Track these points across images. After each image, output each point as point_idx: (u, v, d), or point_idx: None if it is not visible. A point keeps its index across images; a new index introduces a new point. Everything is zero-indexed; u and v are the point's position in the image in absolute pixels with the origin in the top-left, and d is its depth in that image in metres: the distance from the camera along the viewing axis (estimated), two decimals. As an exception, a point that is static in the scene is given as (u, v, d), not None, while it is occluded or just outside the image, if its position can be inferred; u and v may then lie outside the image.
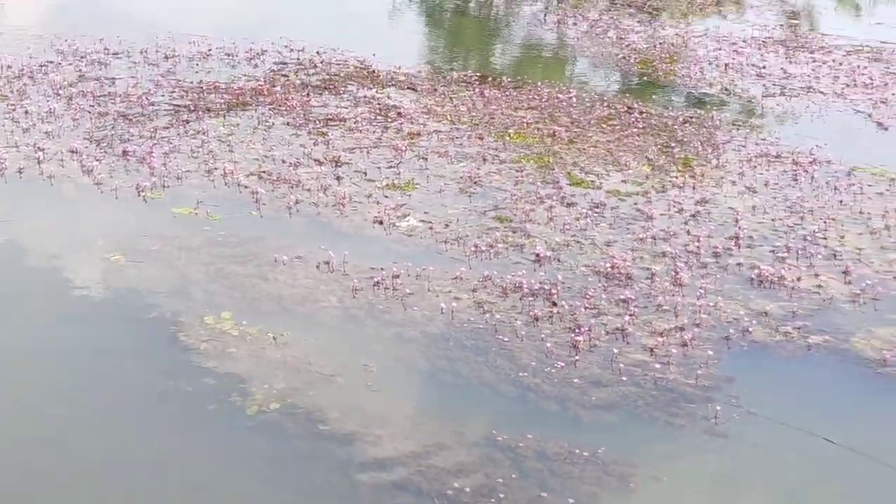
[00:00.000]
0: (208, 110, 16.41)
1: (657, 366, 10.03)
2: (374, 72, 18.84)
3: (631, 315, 10.77)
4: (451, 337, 10.48)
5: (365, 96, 17.45)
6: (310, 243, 12.21)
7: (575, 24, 23.70)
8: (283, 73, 18.62)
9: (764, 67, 20.05)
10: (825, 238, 12.62)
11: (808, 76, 19.50)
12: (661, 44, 21.79)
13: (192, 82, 17.81)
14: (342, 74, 18.63)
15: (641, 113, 17.04)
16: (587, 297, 11.11)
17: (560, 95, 17.81)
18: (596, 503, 8.42)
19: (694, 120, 16.89)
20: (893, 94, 18.42)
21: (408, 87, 18.13)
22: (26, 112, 16.22)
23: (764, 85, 18.95)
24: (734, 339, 10.50)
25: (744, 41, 22.11)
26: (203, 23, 21.64)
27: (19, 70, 18.24)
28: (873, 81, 19.18)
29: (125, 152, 14.54)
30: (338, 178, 14.02)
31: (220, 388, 9.59)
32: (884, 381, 9.99)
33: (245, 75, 18.40)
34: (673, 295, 11.22)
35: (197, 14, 22.69)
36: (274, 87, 17.65)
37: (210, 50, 19.78)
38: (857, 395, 9.93)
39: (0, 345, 10.29)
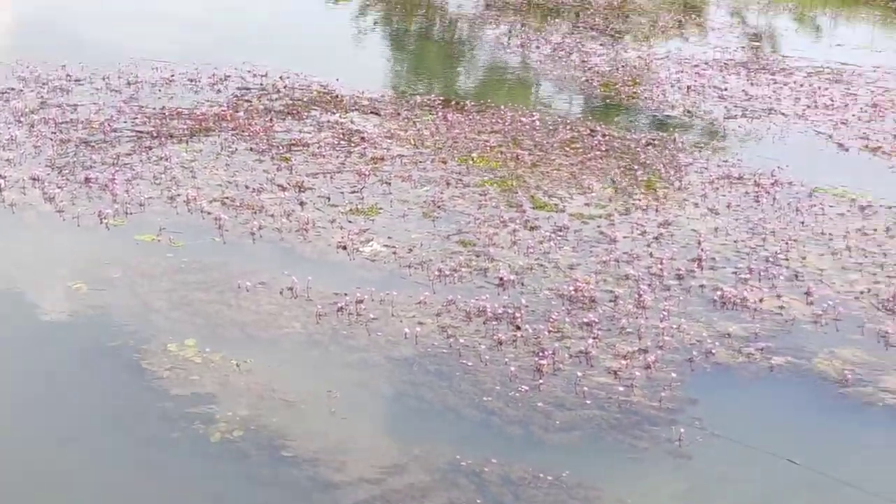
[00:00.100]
0: (171, 136, 16.35)
1: (621, 388, 10.05)
2: (337, 96, 18.84)
3: (594, 338, 10.79)
4: (414, 362, 10.47)
5: (328, 121, 17.45)
6: (273, 269, 12.18)
7: (538, 47, 23.78)
8: (247, 98, 18.58)
9: (726, 89, 20.20)
10: (787, 259, 12.70)
11: (770, 98, 19.66)
12: (623, 66, 21.90)
13: (154, 108, 17.74)
14: (305, 99, 18.63)
15: (604, 136, 17.10)
16: (551, 320, 11.13)
17: (523, 119, 17.86)
18: (560, 527, 8.45)
19: (657, 142, 16.97)
20: (853, 116, 18.59)
21: (371, 112, 18.14)
22: (-13, 139, 16.15)
23: (726, 107, 19.09)
24: (697, 360, 10.53)
25: (706, 63, 22.27)
26: (167, 48, 21.59)
27: (-20, 97, 18.15)
28: (834, 103, 19.35)
29: (87, 179, 14.46)
30: (301, 204, 14.00)
31: (183, 416, 9.54)
32: (846, 401, 10.05)
33: (208, 101, 18.34)
34: (636, 317, 11.25)
35: (160, 39, 22.62)
36: (237, 112, 17.62)
37: (173, 75, 19.73)
38: (819, 416, 9.99)
39: (-40, 374, 10.23)
